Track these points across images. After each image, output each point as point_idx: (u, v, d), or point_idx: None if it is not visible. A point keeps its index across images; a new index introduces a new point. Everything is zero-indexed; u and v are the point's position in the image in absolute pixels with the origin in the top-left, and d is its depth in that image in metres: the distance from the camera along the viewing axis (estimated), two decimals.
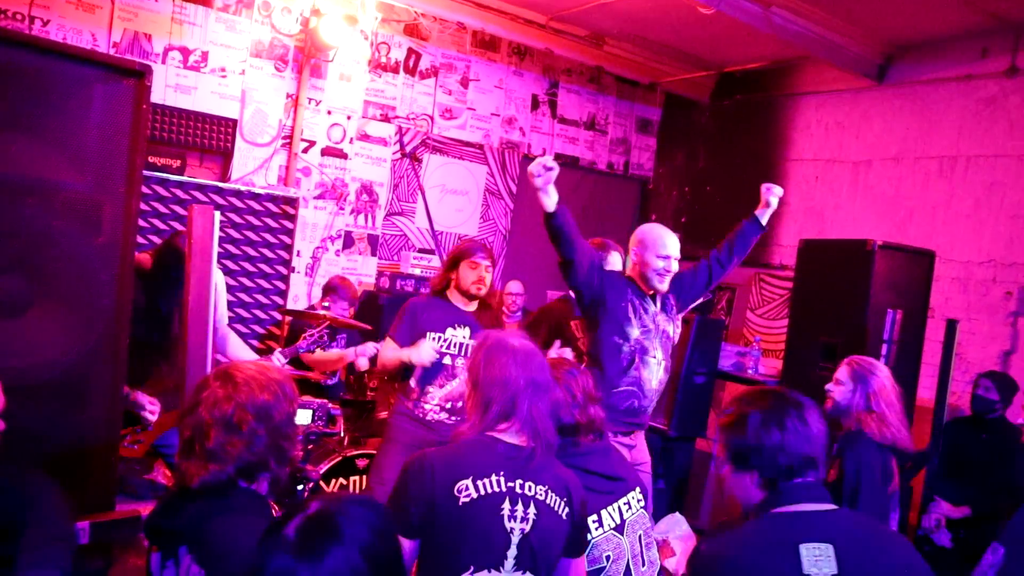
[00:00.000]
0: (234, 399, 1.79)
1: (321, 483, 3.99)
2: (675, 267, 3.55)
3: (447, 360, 3.63)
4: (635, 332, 3.49)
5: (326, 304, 4.97)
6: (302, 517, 1.31)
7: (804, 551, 1.67)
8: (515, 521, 1.98)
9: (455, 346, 3.65)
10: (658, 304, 3.60)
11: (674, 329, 3.67)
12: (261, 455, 1.80)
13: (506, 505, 1.98)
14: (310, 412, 4.16)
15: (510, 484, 2.00)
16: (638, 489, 2.49)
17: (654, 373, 3.54)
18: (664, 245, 3.53)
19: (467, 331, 3.67)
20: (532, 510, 2.01)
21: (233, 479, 1.79)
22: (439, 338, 3.62)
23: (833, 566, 1.66)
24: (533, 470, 2.04)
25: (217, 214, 2.39)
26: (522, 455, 2.05)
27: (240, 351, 3.85)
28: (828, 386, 3.28)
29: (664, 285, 3.55)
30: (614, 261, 4.14)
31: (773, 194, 3.68)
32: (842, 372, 3.26)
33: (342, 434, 4.30)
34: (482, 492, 1.96)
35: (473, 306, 3.76)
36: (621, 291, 3.52)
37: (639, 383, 3.49)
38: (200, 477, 1.77)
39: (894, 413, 3.14)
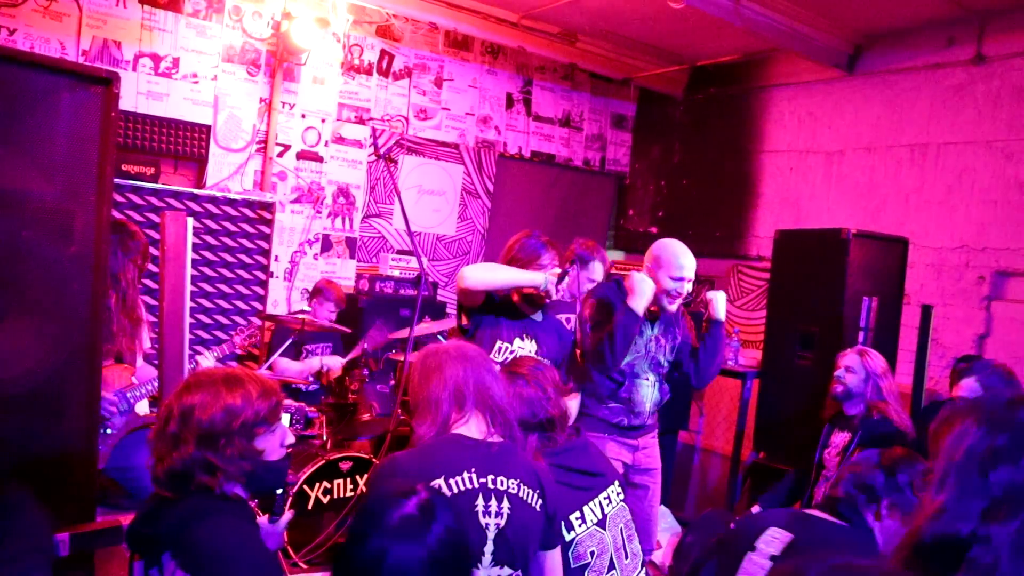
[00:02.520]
0: (173, 404, 1.80)
1: (305, 487, 3.98)
2: (687, 288, 3.33)
3: None
4: (626, 358, 3.34)
5: (307, 309, 4.98)
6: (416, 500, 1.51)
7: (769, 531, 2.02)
8: (490, 516, 1.98)
9: None
10: (656, 329, 3.43)
11: (664, 359, 3.49)
12: (186, 464, 1.75)
13: (480, 501, 1.98)
14: (287, 416, 4.15)
15: (482, 480, 2.00)
16: (617, 483, 2.51)
17: (647, 395, 3.41)
18: (679, 266, 3.31)
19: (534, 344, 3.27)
20: (506, 504, 2.01)
21: (180, 481, 1.77)
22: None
23: (777, 550, 1.97)
24: (504, 464, 2.05)
25: (190, 220, 2.38)
26: (489, 449, 2.06)
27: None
28: (838, 373, 3.61)
29: (674, 306, 3.37)
30: (596, 269, 4.00)
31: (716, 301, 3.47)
32: (852, 360, 3.56)
33: (325, 438, 4.29)
34: (455, 490, 1.96)
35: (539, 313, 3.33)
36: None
37: (630, 404, 3.38)
38: (159, 475, 1.77)
39: (897, 403, 3.48)
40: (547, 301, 3.26)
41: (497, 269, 3.12)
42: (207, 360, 3.67)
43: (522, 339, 3.19)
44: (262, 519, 2.11)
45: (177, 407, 1.78)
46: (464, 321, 3.20)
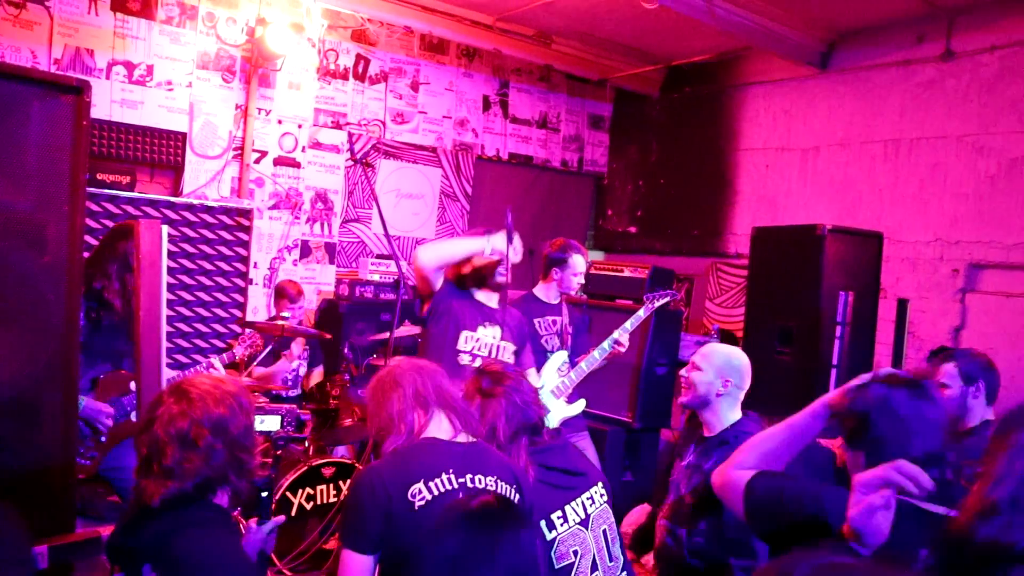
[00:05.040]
0: (189, 415, 1.78)
1: (288, 494, 3.97)
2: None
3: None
4: None
5: (286, 314, 4.96)
6: None
7: None
8: None
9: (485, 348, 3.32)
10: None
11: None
12: (220, 469, 1.79)
13: None
14: (279, 418, 4.12)
15: (461, 480, 2.01)
16: (601, 484, 2.51)
17: None
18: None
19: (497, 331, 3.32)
20: None
21: (193, 494, 1.78)
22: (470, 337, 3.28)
23: None
24: (480, 462, 2.06)
25: (165, 228, 2.37)
26: (464, 448, 2.07)
27: None
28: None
29: None
30: (577, 263, 4.05)
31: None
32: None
33: (307, 444, 4.28)
34: (436, 492, 1.97)
35: (495, 300, 3.36)
36: None
37: None
38: (159, 495, 1.75)
39: None
40: (500, 272, 3.27)
41: (446, 241, 3.19)
42: (218, 366, 3.94)
43: (484, 326, 3.27)
44: (251, 522, 2.11)
45: (203, 417, 1.78)
46: (424, 310, 3.27)
